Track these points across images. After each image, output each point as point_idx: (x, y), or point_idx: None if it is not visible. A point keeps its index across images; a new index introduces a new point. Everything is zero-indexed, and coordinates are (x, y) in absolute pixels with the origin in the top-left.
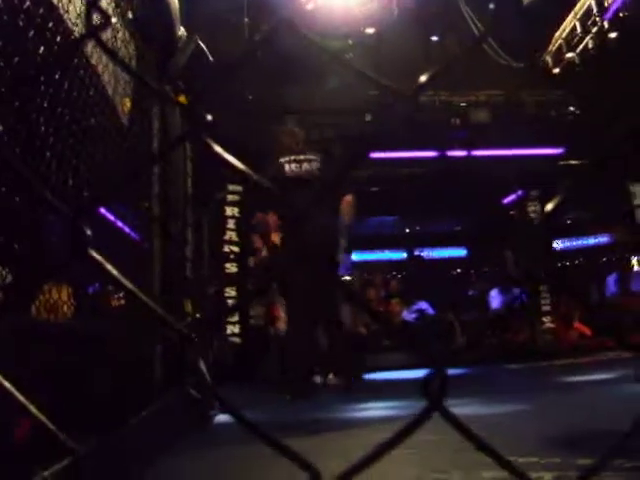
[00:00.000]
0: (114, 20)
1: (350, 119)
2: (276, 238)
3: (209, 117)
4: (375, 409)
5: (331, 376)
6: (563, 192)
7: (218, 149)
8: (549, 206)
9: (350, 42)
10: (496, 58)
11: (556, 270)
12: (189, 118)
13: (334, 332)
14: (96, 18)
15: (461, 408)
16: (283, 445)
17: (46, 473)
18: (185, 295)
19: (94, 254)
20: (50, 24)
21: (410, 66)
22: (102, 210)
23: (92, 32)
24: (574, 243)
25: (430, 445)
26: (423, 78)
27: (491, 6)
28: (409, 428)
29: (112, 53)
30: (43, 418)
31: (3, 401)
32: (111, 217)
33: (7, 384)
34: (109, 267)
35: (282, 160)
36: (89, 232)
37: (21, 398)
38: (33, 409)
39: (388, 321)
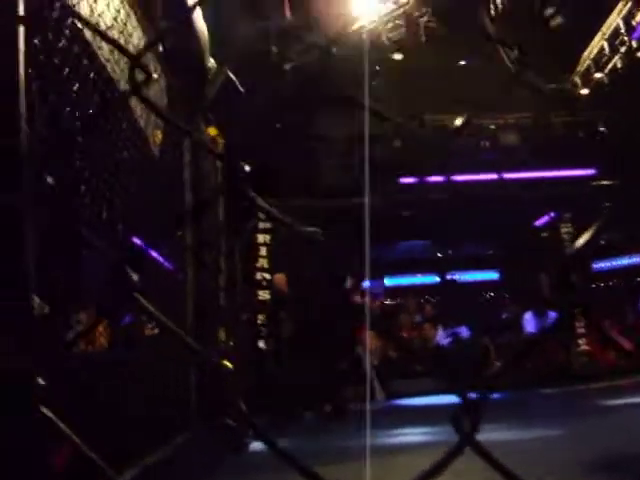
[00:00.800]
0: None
1: (378, 145)
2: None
3: (246, 168)
4: (407, 435)
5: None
6: (601, 219)
7: (254, 196)
8: (584, 237)
9: (378, 68)
10: (530, 82)
11: (591, 291)
12: (226, 169)
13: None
14: (138, 74)
15: (493, 434)
16: (313, 473)
17: None
18: (219, 323)
19: (140, 298)
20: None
21: (436, 92)
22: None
23: (136, 89)
24: (608, 264)
25: (462, 475)
26: (458, 123)
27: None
28: (442, 463)
29: (155, 108)
30: (84, 447)
31: (45, 429)
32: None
33: (54, 418)
34: (151, 308)
35: None
36: (135, 278)
37: (63, 427)
38: (76, 439)
39: (409, 346)
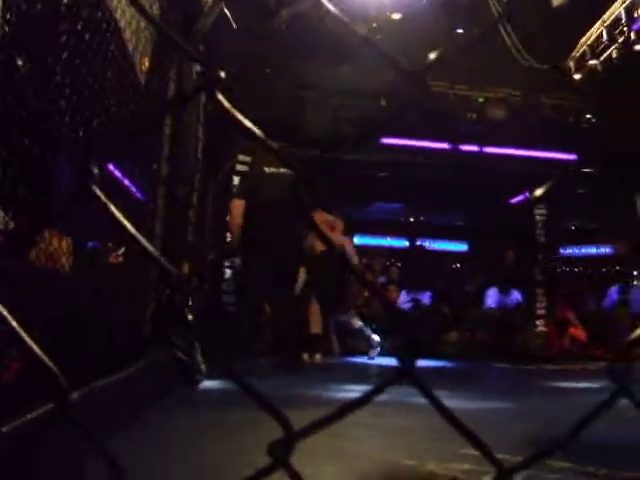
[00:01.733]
0: None
1: (366, 102)
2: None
3: (223, 74)
4: (350, 391)
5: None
6: (555, 184)
7: (229, 106)
8: (538, 192)
9: (374, 25)
10: (518, 57)
11: (555, 275)
12: (204, 72)
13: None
14: None
15: (446, 401)
16: (259, 394)
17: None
18: (184, 257)
19: (98, 192)
20: None
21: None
22: (110, 166)
23: None
24: (576, 251)
25: (409, 432)
26: (432, 57)
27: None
28: (377, 389)
29: (145, 14)
30: (40, 353)
31: None
32: (118, 174)
33: (13, 322)
34: (112, 207)
35: None
36: (96, 171)
37: (25, 336)
38: (32, 344)
39: (386, 299)
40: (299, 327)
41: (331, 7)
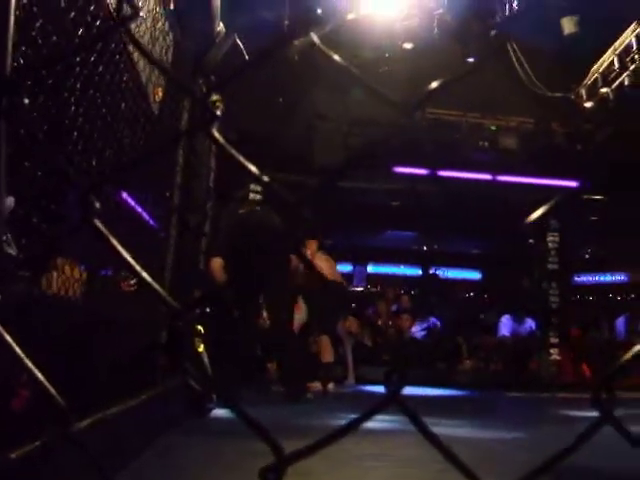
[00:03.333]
0: (157, 9)
1: (375, 130)
2: None
3: (219, 112)
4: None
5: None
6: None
7: (222, 142)
8: (533, 216)
9: (387, 55)
10: (530, 86)
11: (570, 304)
12: (200, 109)
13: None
14: (127, 9)
15: (457, 430)
16: (251, 419)
17: (39, 442)
18: (195, 286)
19: (99, 224)
20: (91, 7)
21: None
22: (124, 195)
23: (122, 23)
24: (590, 278)
25: (415, 463)
26: (422, 93)
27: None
28: (367, 415)
29: (138, 45)
30: (42, 378)
31: (5, 369)
32: (131, 203)
33: (17, 349)
34: (111, 239)
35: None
36: (97, 205)
37: (28, 363)
38: (38, 374)
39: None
40: (305, 358)
41: (324, 49)
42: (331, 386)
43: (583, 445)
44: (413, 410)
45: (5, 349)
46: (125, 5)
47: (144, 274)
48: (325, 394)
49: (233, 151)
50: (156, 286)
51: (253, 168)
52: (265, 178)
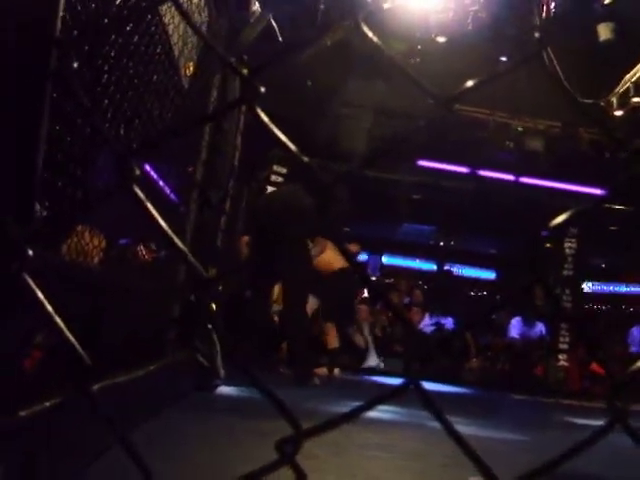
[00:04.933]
0: None
1: (401, 121)
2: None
3: (263, 89)
4: (376, 410)
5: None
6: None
7: (266, 120)
8: (557, 220)
9: (419, 47)
10: (560, 90)
11: (582, 312)
12: (244, 86)
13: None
14: None
15: (462, 429)
16: (272, 393)
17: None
18: (212, 264)
19: (137, 190)
20: None
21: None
22: (146, 167)
23: None
24: (604, 288)
25: (420, 456)
26: (467, 85)
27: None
28: (382, 398)
29: (185, 15)
30: (68, 333)
31: (18, 330)
32: (154, 175)
33: (49, 306)
34: (149, 205)
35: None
36: (137, 171)
37: (59, 321)
38: (67, 332)
39: (409, 323)
40: (314, 342)
41: (370, 33)
42: (337, 372)
43: (586, 450)
44: (433, 401)
45: (37, 306)
46: None
47: (179, 242)
48: (330, 380)
49: (275, 129)
50: (188, 254)
51: (293, 147)
52: (305, 158)
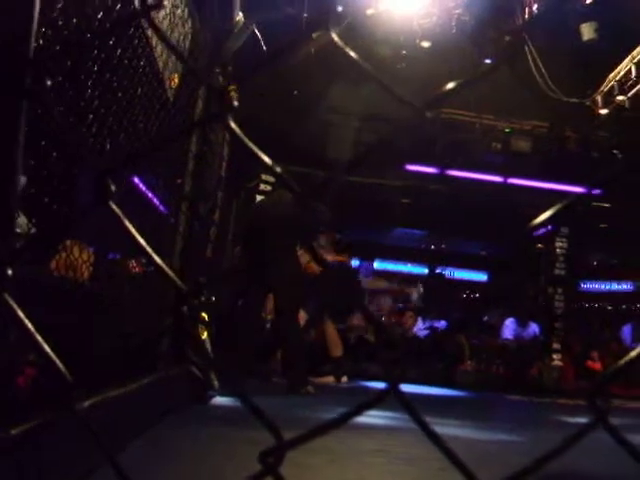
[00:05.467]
0: None
1: (389, 127)
2: None
3: (236, 103)
4: (372, 417)
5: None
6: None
7: (239, 133)
8: (539, 219)
9: (404, 52)
10: (545, 90)
11: (574, 310)
12: (218, 101)
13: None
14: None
15: (457, 430)
16: (259, 410)
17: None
18: (202, 274)
19: (114, 207)
20: None
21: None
22: (135, 179)
23: (144, 12)
24: (596, 286)
25: (416, 460)
26: (437, 93)
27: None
28: (365, 406)
29: (162, 35)
30: (50, 353)
31: (11, 347)
32: (143, 187)
33: (29, 325)
34: (126, 222)
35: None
36: (113, 188)
37: (39, 339)
38: (48, 350)
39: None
40: (311, 350)
41: (342, 45)
42: (345, 379)
43: (573, 448)
44: (412, 405)
45: (17, 325)
46: None
47: (156, 257)
48: (336, 387)
49: (248, 141)
50: (166, 268)
51: (266, 159)
52: (278, 169)
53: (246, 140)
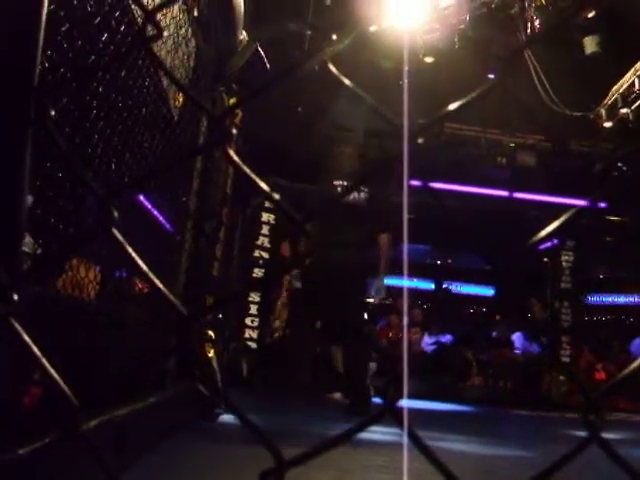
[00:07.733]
0: (181, 16)
1: (391, 143)
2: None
3: (234, 130)
4: (381, 433)
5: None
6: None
7: (237, 160)
8: (543, 233)
9: (406, 68)
10: (549, 104)
11: (582, 323)
12: (215, 128)
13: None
14: (150, 29)
15: (464, 446)
16: (257, 429)
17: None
18: (209, 292)
19: (116, 233)
20: (117, 14)
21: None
22: (141, 198)
23: (143, 43)
24: (604, 299)
25: (418, 475)
26: (426, 122)
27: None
28: (362, 426)
29: (160, 64)
30: (55, 375)
31: (17, 367)
32: (148, 205)
33: (34, 347)
34: (128, 248)
35: (335, 182)
36: (116, 214)
37: (44, 361)
38: (53, 372)
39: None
40: (327, 368)
41: (335, 71)
42: None
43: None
44: (408, 423)
45: (22, 347)
46: (149, 25)
47: (157, 282)
48: None
49: (246, 169)
50: (168, 293)
51: (264, 185)
52: (275, 196)
53: (244, 167)
